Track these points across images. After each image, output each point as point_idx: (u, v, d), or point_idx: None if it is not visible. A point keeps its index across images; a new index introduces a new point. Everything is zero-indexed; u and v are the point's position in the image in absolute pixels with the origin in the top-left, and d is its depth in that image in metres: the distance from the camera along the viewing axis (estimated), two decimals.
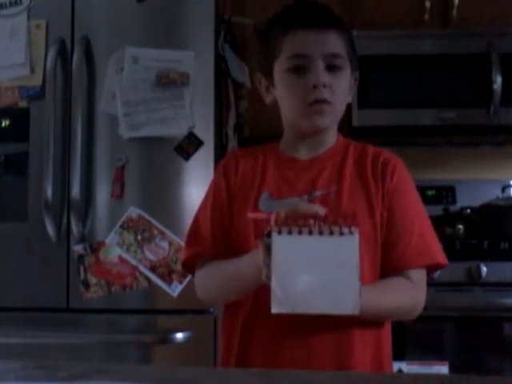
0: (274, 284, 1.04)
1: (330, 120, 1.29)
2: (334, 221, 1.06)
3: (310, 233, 1.05)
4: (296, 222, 1.06)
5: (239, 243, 1.27)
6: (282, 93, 1.31)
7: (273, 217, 1.08)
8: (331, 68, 1.26)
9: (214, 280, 1.31)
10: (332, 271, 1.05)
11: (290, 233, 1.05)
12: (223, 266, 1.28)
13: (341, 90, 1.28)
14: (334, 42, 1.27)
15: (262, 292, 1.13)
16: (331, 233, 1.05)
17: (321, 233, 1.05)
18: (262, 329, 1.24)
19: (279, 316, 1.19)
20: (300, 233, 1.05)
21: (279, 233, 1.05)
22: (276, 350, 1.22)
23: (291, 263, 1.05)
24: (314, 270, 1.05)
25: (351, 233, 1.05)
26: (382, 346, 1.28)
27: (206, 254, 1.32)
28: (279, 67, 1.29)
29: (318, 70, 1.25)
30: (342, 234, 1.05)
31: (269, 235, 1.06)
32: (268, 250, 1.06)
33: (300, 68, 1.26)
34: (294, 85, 1.27)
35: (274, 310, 1.04)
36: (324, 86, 1.25)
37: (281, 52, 1.29)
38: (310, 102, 1.25)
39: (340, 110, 1.31)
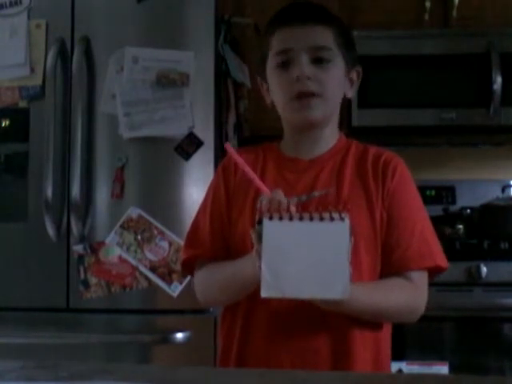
0: (263, 268, 1.04)
1: (320, 113, 1.27)
2: (324, 207, 1.07)
3: (301, 218, 1.06)
4: (279, 209, 1.07)
5: (238, 244, 1.26)
6: (272, 90, 1.32)
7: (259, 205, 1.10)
8: (318, 61, 1.26)
9: (213, 282, 1.30)
10: (322, 256, 1.05)
11: (280, 219, 1.06)
12: (222, 268, 1.27)
13: (330, 82, 1.27)
14: (319, 35, 1.27)
15: (260, 292, 1.13)
16: (322, 219, 1.05)
17: (311, 218, 1.06)
18: (260, 329, 1.23)
19: (278, 316, 1.19)
20: (291, 219, 1.06)
21: (270, 219, 1.06)
22: (274, 351, 1.22)
23: (281, 248, 1.05)
24: (304, 255, 1.05)
25: (342, 219, 1.05)
26: (381, 348, 1.27)
27: (205, 255, 1.32)
28: (269, 66, 1.31)
29: (300, 62, 1.25)
30: (332, 219, 1.05)
31: (260, 224, 1.07)
32: (260, 238, 1.06)
33: (285, 63, 1.27)
34: (280, 80, 1.28)
35: (264, 294, 1.04)
36: (308, 78, 1.24)
37: (269, 51, 1.30)
38: (295, 95, 1.25)
39: (332, 103, 1.29)
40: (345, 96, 1.34)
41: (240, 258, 1.22)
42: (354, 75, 1.33)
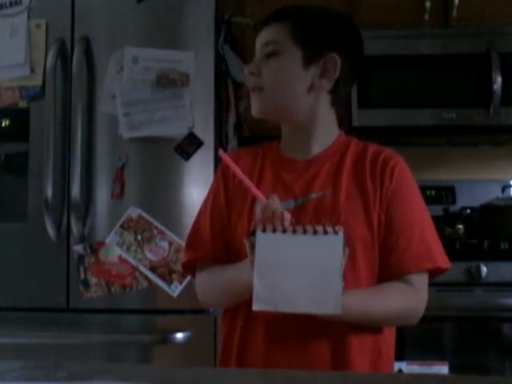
0: (255, 281, 1.04)
1: (265, 106, 1.30)
2: (318, 221, 1.06)
3: (294, 231, 1.05)
4: (272, 218, 1.06)
5: (237, 247, 1.25)
6: None
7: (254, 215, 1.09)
8: (267, 56, 1.29)
9: (213, 286, 1.31)
10: (315, 270, 1.04)
11: (274, 231, 1.05)
12: (221, 272, 1.27)
13: (270, 74, 1.27)
14: (270, 32, 1.29)
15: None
16: (315, 232, 1.05)
17: (305, 231, 1.05)
18: (260, 330, 1.23)
19: (276, 319, 1.18)
20: (284, 231, 1.05)
21: (264, 231, 1.05)
22: (274, 353, 1.22)
23: (274, 260, 1.05)
24: (297, 269, 1.05)
25: (335, 232, 1.04)
26: (381, 350, 1.26)
27: (206, 257, 1.32)
28: None
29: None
30: (326, 233, 1.05)
31: (254, 234, 1.06)
32: (253, 248, 1.06)
33: None
34: None
35: (255, 307, 1.04)
36: (251, 73, 1.29)
37: None
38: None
39: (277, 95, 1.28)
40: (322, 89, 1.29)
41: (239, 262, 1.21)
42: (329, 66, 1.28)
